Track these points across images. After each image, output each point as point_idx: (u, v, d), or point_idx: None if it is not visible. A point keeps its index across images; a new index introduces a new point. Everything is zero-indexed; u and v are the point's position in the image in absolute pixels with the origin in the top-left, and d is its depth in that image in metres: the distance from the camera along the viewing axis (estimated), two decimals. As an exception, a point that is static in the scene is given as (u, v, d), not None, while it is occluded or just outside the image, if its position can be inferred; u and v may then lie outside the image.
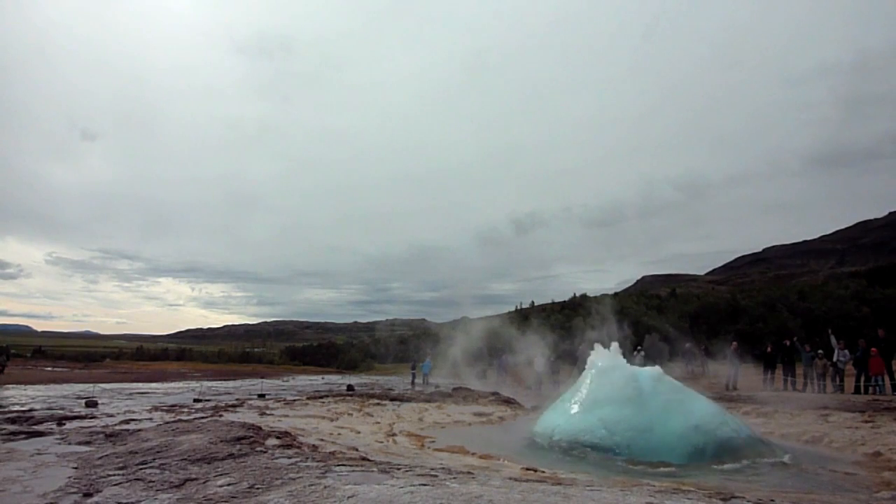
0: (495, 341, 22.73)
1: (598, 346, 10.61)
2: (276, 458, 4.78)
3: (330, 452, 5.65)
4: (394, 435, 8.58)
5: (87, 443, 6.04)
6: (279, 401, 12.30)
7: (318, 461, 4.72)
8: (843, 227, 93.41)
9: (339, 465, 4.50)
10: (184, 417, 8.67)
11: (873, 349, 12.94)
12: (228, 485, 3.76)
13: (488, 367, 23.16)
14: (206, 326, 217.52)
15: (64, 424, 7.73)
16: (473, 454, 7.00)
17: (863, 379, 13.09)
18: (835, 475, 6.32)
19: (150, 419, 8.56)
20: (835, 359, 14.15)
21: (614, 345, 10.38)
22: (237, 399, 13.16)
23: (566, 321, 30.35)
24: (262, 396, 14.19)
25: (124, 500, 3.54)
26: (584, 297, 44.71)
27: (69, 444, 5.99)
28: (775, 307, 27.44)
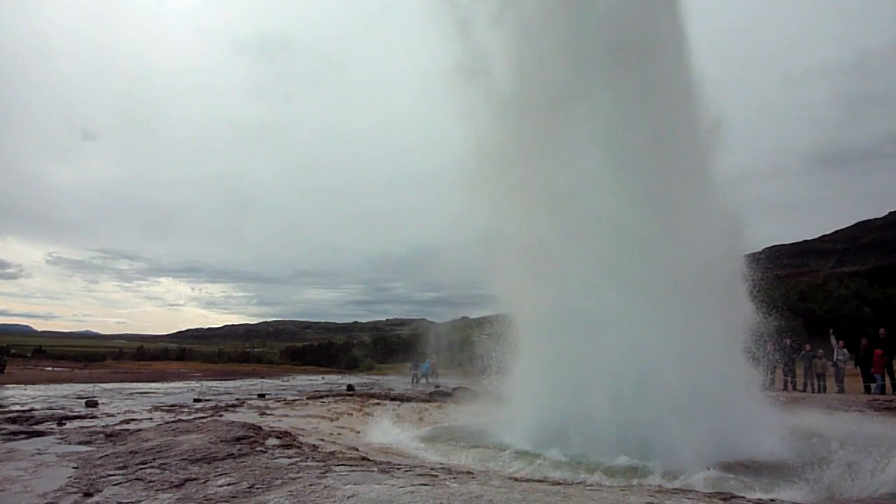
0: (494, 341, 22.69)
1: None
2: (276, 458, 4.78)
3: (330, 452, 5.65)
4: (394, 435, 8.58)
5: (88, 443, 6.04)
6: (279, 401, 12.29)
7: (318, 461, 4.72)
8: (843, 226, 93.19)
9: (339, 465, 4.49)
10: (184, 417, 8.67)
11: (877, 350, 12.95)
12: (228, 485, 3.76)
13: (488, 366, 23.12)
14: (206, 326, 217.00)
15: (64, 424, 7.73)
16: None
17: (864, 378, 13.11)
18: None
19: (151, 419, 8.56)
20: (835, 358, 14.15)
21: None
22: (237, 399, 13.14)
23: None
24: (262, 396, 14.18)
25: (124, 500, 3.54)
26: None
27: (69, 443, 5.99)
28: (775, 307, 27.44)
